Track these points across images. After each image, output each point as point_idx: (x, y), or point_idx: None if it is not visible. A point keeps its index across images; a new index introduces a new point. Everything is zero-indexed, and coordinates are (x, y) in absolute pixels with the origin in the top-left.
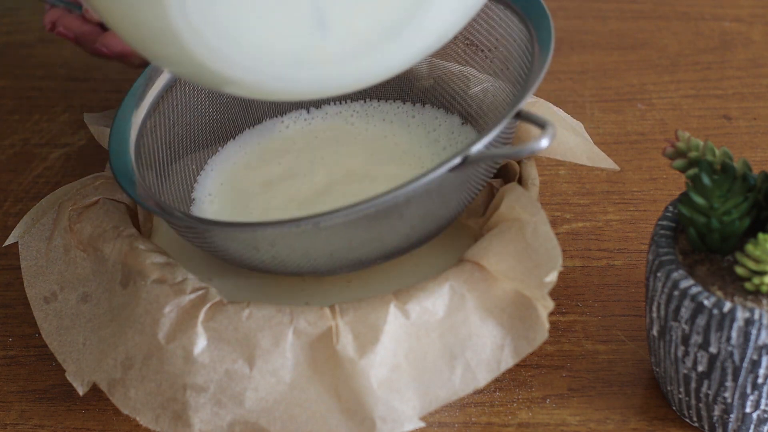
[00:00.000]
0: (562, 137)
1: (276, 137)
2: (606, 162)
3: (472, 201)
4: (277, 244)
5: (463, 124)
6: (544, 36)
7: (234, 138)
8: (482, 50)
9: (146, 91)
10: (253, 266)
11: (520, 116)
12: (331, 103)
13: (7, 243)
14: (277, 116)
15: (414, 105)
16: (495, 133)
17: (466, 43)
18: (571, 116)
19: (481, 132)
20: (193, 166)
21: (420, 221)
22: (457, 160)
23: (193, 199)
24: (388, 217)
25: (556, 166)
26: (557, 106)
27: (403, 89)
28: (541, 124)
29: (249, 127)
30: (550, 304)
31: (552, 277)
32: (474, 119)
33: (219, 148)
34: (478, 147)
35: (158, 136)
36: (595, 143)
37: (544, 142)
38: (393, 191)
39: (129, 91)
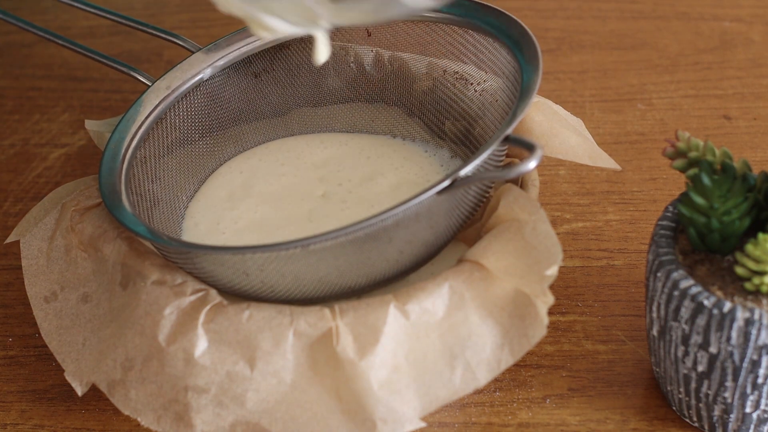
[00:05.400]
0: (563, 137)
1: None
2: (607, 161)
3: (461, 228)
4: (267, 268)
5: (452, 157)
6: (531, 68)
7: (224, 164)
8: (472, 83)
9: (140, 116)
10: (243, 292)
11: (509, 140)
12: (322, 132)
13: (8, 240)
14: (263, 142)
15: (404, 140)
16: (484, 157)
17: (456, 77)
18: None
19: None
20: (184, 197)
21: (409, 246)
22: (446, 183)
23: (182, 225)
24: (377, 240)
25: (556, 166)
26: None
27: (393, 124)
28: (529, 147)
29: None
30: (550, 299)
31: (552, 271)
32: (465, 147)
33: (209, 175)
34: (467, 170)
35: (148, 166)
36: (595, 142)
37: (531, 164)
38: (382, 214)
39: (123, 116)
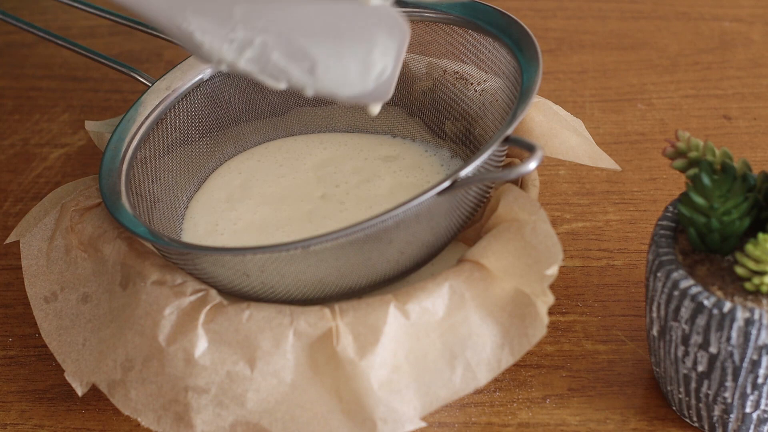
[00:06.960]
0: (564, 137)
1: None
2: (607, 162)
3: (461, 229)
4: (267, 269)
5: (452, 157)
6: (531, 68)
7: (223, 164)
8: (472, 83)
9: (140, 116)
10: (243, 293)
11: (509, 141)
12: (321, 132)
13: (8, 241)
14: (262, 142)
15: (404, 140)
16: (484, 157)
17: (456, 77)
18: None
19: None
20: (184, 197)
21: (409, 247)
22: (446, 183)
23: (182, 226)
24: (378, 241)
25: (556, 166)
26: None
27: (393, 124)
28: (529, 148)
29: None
30: (551, 299)
31: (553, 271)
32: (465, 147)
33: (209, 175)
34: (467, 171)
35: (148, 167)
36: (595, 143)
37: (532, 165)
38: (383, 215)
39: (123, 117)
